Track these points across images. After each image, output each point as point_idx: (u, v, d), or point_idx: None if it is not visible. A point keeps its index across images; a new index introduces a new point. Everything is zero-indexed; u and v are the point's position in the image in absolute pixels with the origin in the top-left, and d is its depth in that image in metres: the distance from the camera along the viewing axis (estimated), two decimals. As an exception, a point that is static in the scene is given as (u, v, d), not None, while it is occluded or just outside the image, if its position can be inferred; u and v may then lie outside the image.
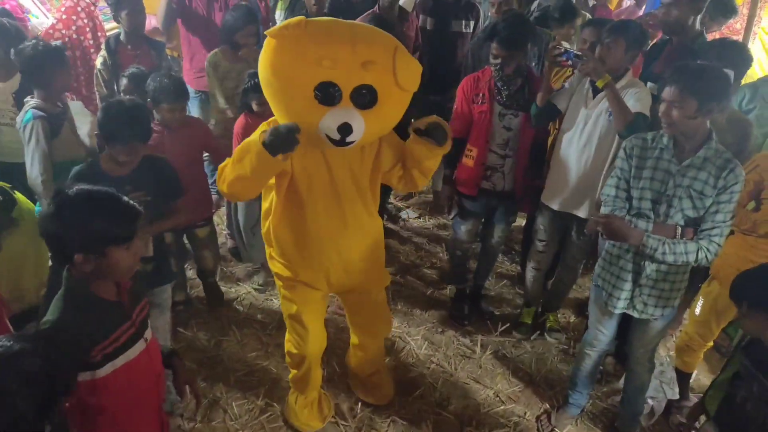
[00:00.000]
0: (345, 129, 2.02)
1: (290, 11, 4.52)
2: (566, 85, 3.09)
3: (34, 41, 3.05)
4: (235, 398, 3.03)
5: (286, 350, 2.78)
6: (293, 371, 2.81)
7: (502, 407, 3.09)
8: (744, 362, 2.10)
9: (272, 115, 2.30)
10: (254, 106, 3.27)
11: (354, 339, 2.96)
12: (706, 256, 2.22)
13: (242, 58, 3.73)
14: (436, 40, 4.23)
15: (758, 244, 2.64)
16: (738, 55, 2.87)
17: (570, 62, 2.84)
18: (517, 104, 3.16)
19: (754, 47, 5.29)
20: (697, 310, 2.93)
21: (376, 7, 4.09)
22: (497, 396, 3.17)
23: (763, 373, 1.99)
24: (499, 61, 3.06)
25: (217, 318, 3.58)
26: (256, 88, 3.02)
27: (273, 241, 2.49)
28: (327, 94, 2.01)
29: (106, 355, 1.71)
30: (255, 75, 2.71)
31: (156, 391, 1.93)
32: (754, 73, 5.23)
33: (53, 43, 3.43)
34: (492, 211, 3.46)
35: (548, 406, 3.12)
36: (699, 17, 3.15)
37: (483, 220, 3.60)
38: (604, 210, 2.42)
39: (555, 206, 3.15)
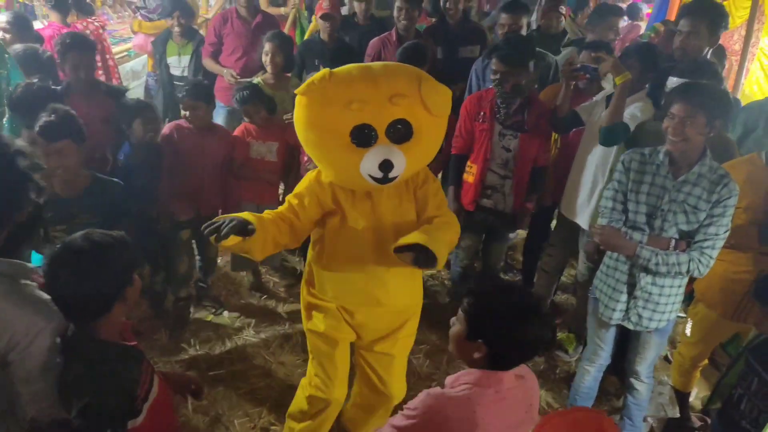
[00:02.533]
0: (386, 166, 2.03)
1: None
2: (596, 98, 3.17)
3: (26, 82, 3.08)
4: (237, 416, 3.04)
5: (306, 395, 2.57)
6: (304, 424, 2.61)
7: (503, 425, 3.08)
8: (749, 360, 2.16)
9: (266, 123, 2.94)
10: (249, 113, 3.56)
11: (358, 399, 2.78)
12: (698, 268, 2.27)
13: (283, 87, 3.91)
14: (446, 67, 4.28)
15: (732, 257, 2.66)
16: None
17: (588, 75, 2.98)
18: (517, 125, 3.21)
19: (753, 68, 5.36)
20: (687, 331, 2.95)
21: (393, 33, 4.16)
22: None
23: (766, 371, 2.03)
24: (498, 77, 3.12)
25: (219, 336, 3.60)
26: (249, 98, 3.48)
27: (314, 275, 2.44)
28: (363, 137, 2.03)
29: (142, 399, 1.69)
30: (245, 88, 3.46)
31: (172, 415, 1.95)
32: (753, 93, 5.29)
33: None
34: (491, 229, 3.50)
35: (549, 423, 3.11)
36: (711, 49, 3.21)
37: (483, 237, 3.64)
38: (601, 221, 2.49)
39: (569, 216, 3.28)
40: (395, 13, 4.17)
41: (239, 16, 4.53)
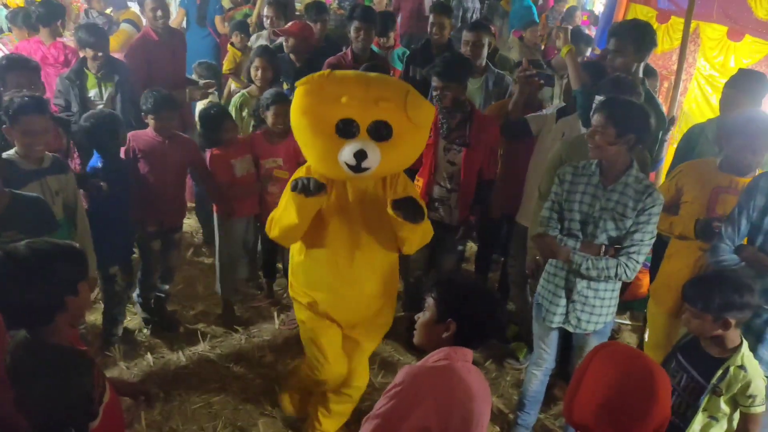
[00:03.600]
0: (360, 155, 2.29)
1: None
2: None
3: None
4: (192, 430, 3.05)
5: (302, 374, 2.92)
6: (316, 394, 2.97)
7: (455, 431, 3.16)
8: (678, 358, 2.28)
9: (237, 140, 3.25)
10: (223, 134, 3.55)
11: None
12: (625, 272, 2.43)
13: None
14: (423, 91, 4.37)
15: (677, 249, 2.83)
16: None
17: (542, 81, 3.24)
18: (460, 140, 3.35)
19: (691, 87, 5.65)
20: (646, 337, 3.09)
21: (348, 50, 4.30)
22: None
23: (694, 368, 2.16)
24: (437, 92, 3.26)
25: (174, 351, 3.60)
26: (222, 117, 3.55)
27: (296, 267, 2.72)
28: (346, 129, 2.33)
29: (98, 402, 1.72)
30: (211, 108, 3.57)
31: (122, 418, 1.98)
32: (692, 111, 5.57)
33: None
34: (440, 241, 3.61)
35: (499, 429, 3.20)
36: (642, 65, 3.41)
37: (433, 250, 3.74)
38: (539, 230, 2.63)
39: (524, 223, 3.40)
40: (352, 33, 4.30)
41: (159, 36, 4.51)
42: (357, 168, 2.32)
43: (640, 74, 3.43)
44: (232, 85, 4.72)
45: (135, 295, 3.76)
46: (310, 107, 2.39)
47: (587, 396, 1.53)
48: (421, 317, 1.90)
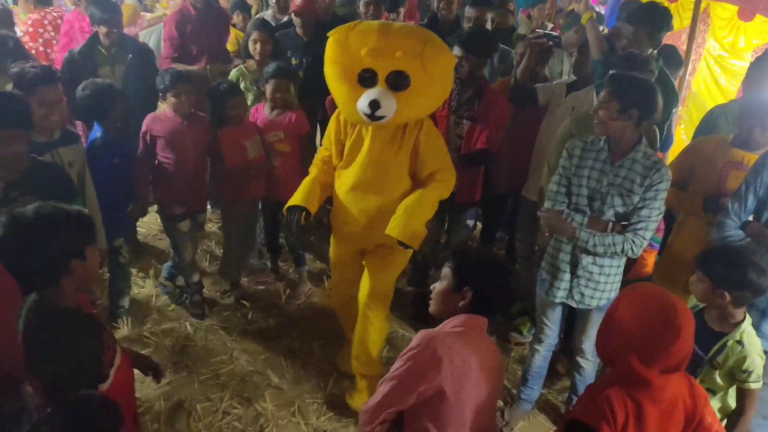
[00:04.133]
0: (374, 104, 2.45)
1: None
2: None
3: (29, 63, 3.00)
4: (199, 401, 3.10)
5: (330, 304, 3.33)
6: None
7: (459, 405, 3.21)
8: None
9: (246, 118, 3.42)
10: (231, 111, 3.47)
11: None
12: (631, 248, 2.43)
13: None
14: None
15: (686, 225, 2.85)
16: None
17: (551, 42, 3.30)
18: (467, 113, 3.35)
19: (700, 67, 5.61)
20: None
21: None
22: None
23: (695, 341, 2.16)
24: (456, 62, 3.25)
25: (182, 324, 3.65)
26: (231, 91, 3.47)
27: (333, 200, 2.94)
28: (366, 79, 2.51)
29: (108, 365, 1.77)
30: (221, 83, 3.49)
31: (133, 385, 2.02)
32: (700, 91, 5.54)
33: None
34: (449, 214, 3.63)
35: (502, 403, 3.24)
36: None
37: (446, 224, 3.76)
38: (546, 205, 2.63)
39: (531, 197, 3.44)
40: (361, 8, 4.29)
41: (197, 10, 4.45)
42: (372, 116, 2.47)
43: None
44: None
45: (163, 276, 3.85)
46: (336, 57, 2.58)
47: (618, 331, 1.67)
48: (438, 286, 1.96)
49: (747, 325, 2.14)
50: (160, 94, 3.42)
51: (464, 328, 1.85)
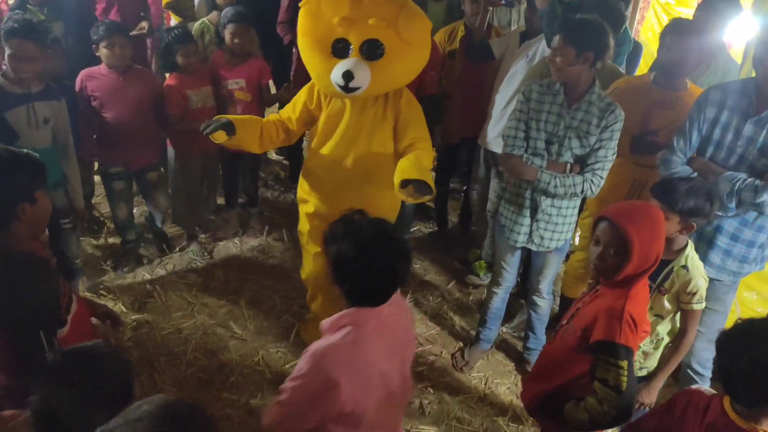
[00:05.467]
0: (347, 76, 2.35)
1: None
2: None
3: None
4: (163, 354, 3.08)
5: (303, 278, 3.10)
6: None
7: (420, 348, 3.30)
8: None
9: (198, 68, 3.26)
10: (179, 59, 3.36)
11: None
12: (590, 188, 2.51)
13: None
14: None
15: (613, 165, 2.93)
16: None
17: (504, 2, 3.31)
18: None
19: (648, 15, 5.71)
20: (576, 241, 3.22)
21: None
22: (416, 339, 3.37)
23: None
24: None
25: (140, 282, 3.59)
26: (182, 39, 3.34)
27: (303, 173, 2.85)
28: (339, 49, 2.40)
29: (65, 310, 1.75)
30: (174, 29, 3.34)
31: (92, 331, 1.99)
32: (648, 39, 5.64)
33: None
34: None
35: (462, 344, 3.35)
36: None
37: None
38: (505, 150, 2.66)
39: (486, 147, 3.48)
40: None
41: None
42: (346, 88, 2.38)
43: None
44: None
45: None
46: (309, 28, 2.47)
47: (643, 250, 1.81)
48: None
49: (690, 250, 2.24)
50: (93, 46, 3.24)
51: (353, 328, 1.61)
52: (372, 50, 2.38)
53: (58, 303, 1.68)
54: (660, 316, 2.27)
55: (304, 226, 2.91)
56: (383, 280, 1.61)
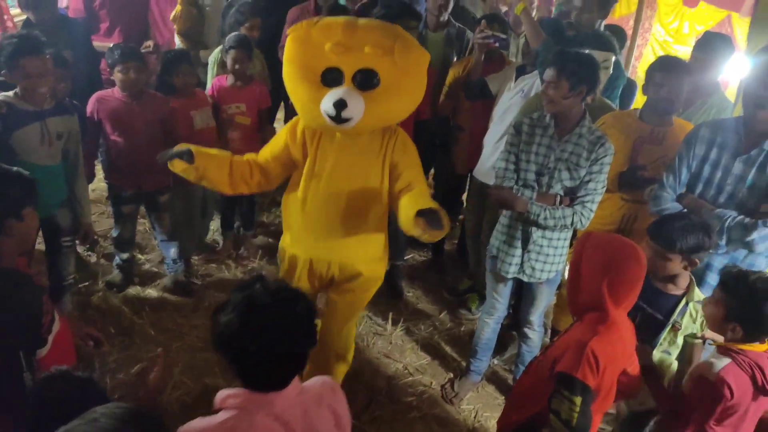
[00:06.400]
0: (339, 104, 2.15)
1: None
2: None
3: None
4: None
5: None
6: None
7: (410, 378, 3.26)
8: None
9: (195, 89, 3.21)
10: (176, 80, 3.42)
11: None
12: (580, 220, 2.52)
13: None
14: None
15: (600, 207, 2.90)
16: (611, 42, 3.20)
17: (497, 43, 3.29)
18: None
19: (646, 52, 5.79)
20: (566, 275, 3.20)
21: (312, 1, 4.20)
22: (406, 369, 3.35)
23: (648, 305, 2.25)
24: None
25: (129, 301, 3.57)
26: (176, 60, 3.39)
27: (285, 221, 2.65)
28: (330, 78, 2.22)
29: (47, 330, 1.73)
30: (169, 51, 3.33)
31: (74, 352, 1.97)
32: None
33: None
34: None
35: (453, 375, 3.32)
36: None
37: None
38: (495, 181, 2.68)
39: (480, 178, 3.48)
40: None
41: None
42: (337, 118, 2.18)
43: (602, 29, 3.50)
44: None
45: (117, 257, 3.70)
46: (296, 55, 2.30)
47: (588, 282, 1.81)
48: None
49: (694, 284, 2.24)
50: (109, 69, 3.28)
51: (238, 414, 1.36)
52: (366, 80, 2.20)
53: (39, 322, 1.66)
54: (668, 353, 2.23)
55: (282, 265, 2.74)
56: (272, 360, 1.34)
